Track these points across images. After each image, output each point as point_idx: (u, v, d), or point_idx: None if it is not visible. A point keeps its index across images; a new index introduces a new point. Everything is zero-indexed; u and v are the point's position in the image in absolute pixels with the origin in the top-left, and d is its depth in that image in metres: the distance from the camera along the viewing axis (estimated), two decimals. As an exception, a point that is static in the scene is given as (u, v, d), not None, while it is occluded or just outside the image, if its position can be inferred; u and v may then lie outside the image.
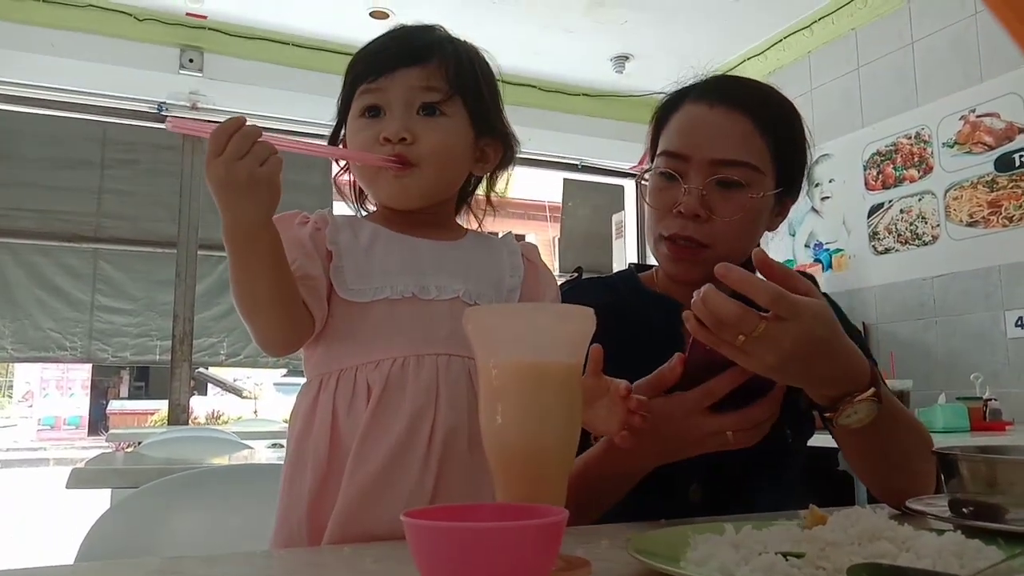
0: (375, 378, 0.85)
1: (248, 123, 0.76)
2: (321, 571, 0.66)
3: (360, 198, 1.03)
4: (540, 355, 0.64)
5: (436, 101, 0.92)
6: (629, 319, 1.09)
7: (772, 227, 1.15)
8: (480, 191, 1.04)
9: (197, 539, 1.10)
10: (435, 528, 0.52)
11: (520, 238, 1.06)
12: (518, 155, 1.04)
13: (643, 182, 1.15)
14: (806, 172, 1.14)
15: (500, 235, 1.03)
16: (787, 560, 0.53)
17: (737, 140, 1.06)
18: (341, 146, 0.99)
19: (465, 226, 1.03)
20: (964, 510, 0.72)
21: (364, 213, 1.02)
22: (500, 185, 1.04)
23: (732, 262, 1.09)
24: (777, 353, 0.77)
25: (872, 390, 0.84)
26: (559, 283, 1.06)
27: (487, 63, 0.99)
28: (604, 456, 0.95)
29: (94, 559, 1.01)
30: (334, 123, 1.00)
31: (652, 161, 1.14)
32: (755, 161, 1.06)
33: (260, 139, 0.76)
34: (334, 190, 1.07)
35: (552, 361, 0.64)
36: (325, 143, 0.99)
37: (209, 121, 0.75)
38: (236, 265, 0.80)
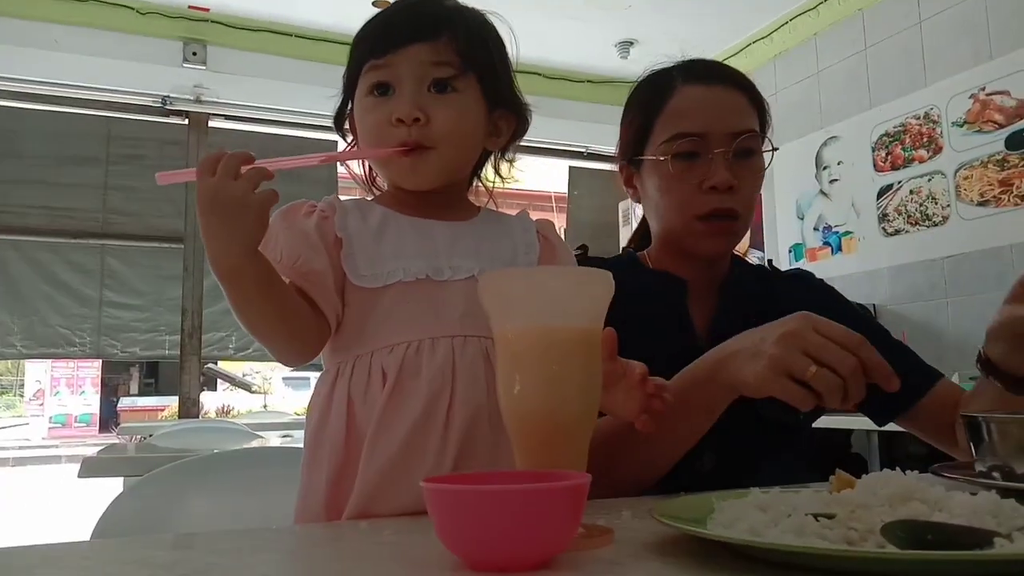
0: (390, 363, 0.83)
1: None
2: (338, 545, 0.65)
3: (370, 178, 1.01)
4: (558, 320, 0.63)
5: (448, 77, 0.88)
6: (632, 297, 1.09)
7: None
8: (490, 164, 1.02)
9: (210, 521, 1.09)
10: (457, 492, 0.51)
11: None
12: (523, 144, 1.02)
13: (645, 169, 1.17)
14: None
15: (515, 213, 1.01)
16: (818, 520, 0.52)
17: (743, 112, 1.14)
18: (347, 124, 0.97)
19: (476, 204, 1.01)
20: (996, 473, 0.71)
21: (374, 193, 1.00)
22: (510, 156, 1.02)
23: (749, 226, 1.13)
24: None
25: None
26: None
27: (498, 32, 0.96)
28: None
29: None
30: (339, 100, 0.97)
31: (636, 150, 1.17)
32: (758, 129, 1.14)
33: (253, 164, 0.74)
34: (339, 181, 1.06)
35: (570, 326, 0.63)
36: (329, 150, 0.96)
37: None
38: (228, 294, 0.78)
